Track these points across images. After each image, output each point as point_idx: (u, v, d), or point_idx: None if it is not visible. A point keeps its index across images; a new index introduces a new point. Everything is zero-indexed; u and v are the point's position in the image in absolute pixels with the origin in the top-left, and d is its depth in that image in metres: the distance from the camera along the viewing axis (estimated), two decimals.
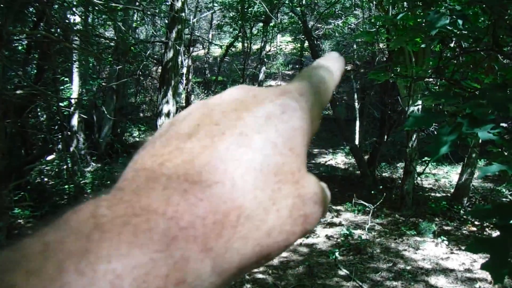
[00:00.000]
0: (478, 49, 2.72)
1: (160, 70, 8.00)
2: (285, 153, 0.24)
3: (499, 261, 1.08)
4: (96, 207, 0.19)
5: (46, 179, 9.25)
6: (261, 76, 16.87)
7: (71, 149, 10.95)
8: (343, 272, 5.63)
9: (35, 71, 9.13)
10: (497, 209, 1.12)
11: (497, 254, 1.09)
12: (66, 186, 8.62)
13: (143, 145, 0.25)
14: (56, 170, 9.76)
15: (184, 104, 16.91)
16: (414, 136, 8.22)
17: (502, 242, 1.10)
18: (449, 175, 11.59)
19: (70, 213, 0.19)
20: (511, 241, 1.10)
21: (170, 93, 5.81)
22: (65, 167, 9.17)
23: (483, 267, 1.08)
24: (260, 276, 5.47)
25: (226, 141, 0.23)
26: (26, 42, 8.16)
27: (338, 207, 8.71)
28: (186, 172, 0.21)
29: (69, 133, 10.83)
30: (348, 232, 6.70)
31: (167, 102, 5.81)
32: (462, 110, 1.44)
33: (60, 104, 10.42)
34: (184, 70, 15.77)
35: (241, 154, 0.22)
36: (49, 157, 10.26)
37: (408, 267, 5.83)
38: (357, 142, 12.74)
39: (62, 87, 10.50)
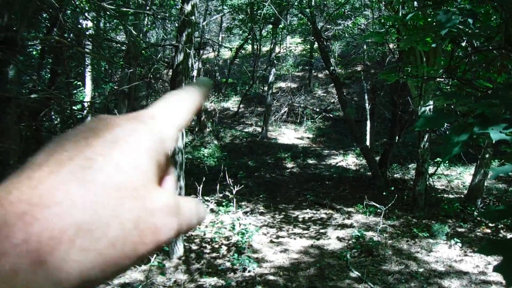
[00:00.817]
0: (490, 48, 2.69)
1: (171, 73, 8.03)
2: (128, 171, 0.27)
3: None
4: None
5: None
6: (271, 78, 16.86)
7: None
8: (354, 274, 5.60)
9: (49, 75, 9.26)
10: (510, 210, 1.10)
11: (510, 256, 1.07)
12: None
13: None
14: None
15: None
16: (426, 136, 8.14)
17: None
18: (462, 176, 11.45)
19: None
20: None
21: None
22: None
23: (496, 269, 1.07)
24: (271, 277, 5.46)
25: (71, 166, 0.25)
26: (40, 47, 8.28)
27: (349, 209, 8.65)
28: (29, 197, 0.23)
29: None
30: (359, 234, 6.66)
31: None
32: (474, 110, 1.43)
33: (74, 107, 10.55)
34: (195, 73, 15.85)
35: (83, 176, 0.25)
36: None
37: (421, 270, 5.77)
38: (368, 143, 12.66)
39: (75, 91, 10.64)
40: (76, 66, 10.06)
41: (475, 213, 7.81)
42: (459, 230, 7.35)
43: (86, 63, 9.89)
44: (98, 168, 0.25)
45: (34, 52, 9.49)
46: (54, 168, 0.25)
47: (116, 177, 0.26)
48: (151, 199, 0.27)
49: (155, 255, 5.83)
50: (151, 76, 16.60)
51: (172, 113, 0.33)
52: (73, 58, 9.49)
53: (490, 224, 7.53)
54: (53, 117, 10.07)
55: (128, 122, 0.29)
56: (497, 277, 5.52)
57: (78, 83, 10.92)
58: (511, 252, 1.07)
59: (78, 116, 11.01)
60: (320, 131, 17.87)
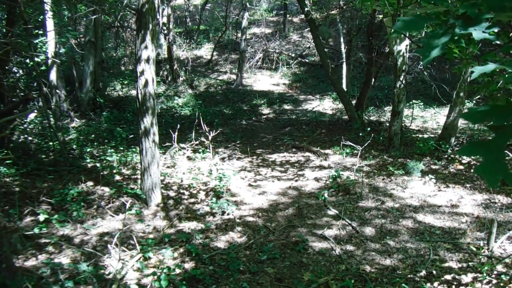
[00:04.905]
0: None
1: None
2: None
3: (494, 164, 1.00)
4: None
5: (30, 138, 9.04)
6: (244, 22, 16.31)
7: (52, 105, 10.67)
8: (332, 212, 5.68)
9: (4, 24, 8.66)
10: (494, 110, 1.03)
11: (492, 156, 1.00)
12: (51, 143, 8.44)
13: None
14: (40, 128, 9.53)
15: (166, 55, 16.43)
16: (402, 76, 8.09)
17: (498, 144, 1.01)
18: (436, 117, 11.61)
19: None
20: (506, 142, 1.01)
21: (148, 37, 5.52)
22: (46, 123, 8.95)
23: (477, 170, 1.00)
24: (250, 219, 5.49)
25: None
26: None
27: (327, 151, 8.69)
28: None
29: (48, 89, 10.49)
30: (336, 174, 6.71)
31: (146, 47, 5.53)
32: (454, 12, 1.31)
33: (37, 59, 10.00)
34: (165, 20, 15.19)
35: None
36: (31, 115, 9.98)
37: (396, 205, 5.90)
38: (344, 86, 12.58)
39: (36, 41, 10.04)
40: (34, 13, 9.41)
41: (449, 151, 7.97)
42: (433, 167, 7.51)
43: (45, 10, 9.26)
44: None
45: None
46: None
47: None
48: None
49: (130, 202, 5.77)
50: (119, 25, 15.84)
51: None
52: (30, 5, 8.85)
53: (463, 161, 7.71)
54: (14, 69, 9.54)
55: None
56: (469, 209, 5.70)
57: (40, 32, 10.28)
58: (492, 153, 1.00)
59: (41, 68, 10.49)
60: (296, 76, 17.66)
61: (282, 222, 5.41)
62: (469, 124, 10.45)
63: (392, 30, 1.26)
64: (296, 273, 4.21)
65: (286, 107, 13.69)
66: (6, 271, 3.72)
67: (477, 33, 1.17)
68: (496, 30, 1.18)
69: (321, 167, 7.69)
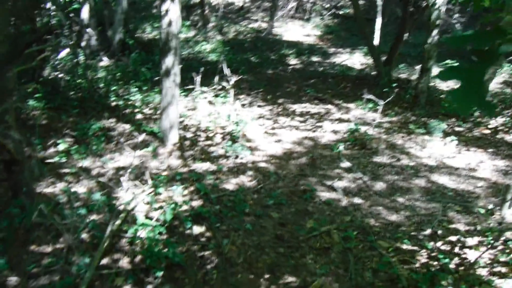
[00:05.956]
0: None
1: None
2: None
3: (471, 90, 0.95)
4: None
5: (60, 75, 9.22)
6: None
7: (83, 43, 10.80)
8: (345, 164, 5.66)
9: None
10: (477, 35, 0.96)
11: (471, 82, 0.95)
12: (79, 80, 8.62)
13: None
14: (69, 65, 9.69)
15: (198, 0, 16.11)
16: (435, 32, 7.69)
17: (479, 70, 0.95)
18: None
19: None
20: (488, 68, 0.95)
21: None
22: (75, 60, 9.11)
23: (451, 95, 0.96)
24: (262, 165, 5.55)
25: None
26: None
27: (349, 105, 8.54)
28: None
29: (79, 27, 10.58)
30: (355, 127, 6.61)
31: None
32: None
33: None
34: None
35: None
36: (63, 53, 10.12)
37: (412, 163, 5.82)
38: (377, 41, 12.10)
39: None
40: None
41: (476, 113, 7.68)
42: (457, 129, 7.30)
43: None
44: None
45: None
46: None
47: None
48: None
49: (144, 138, 5.89)
50: None
51: None
52: None
53: (489, 126, 7.44)
54: (47, 6, 9.57)
55: None
56: (487, 174, 5.57)
57: None
58: (473, 78, 0.95)
59: (74, 7, 10.50)
60: (328, 28, 17.07)
61: (294, 170, 5.44)
62: (504, 89, 9.98)
63: None
64: (300, 220, 4.28)
65: (314, 59, 13.36)
66: (26, 195, 3.94)
67: None
68: None
69: (340, 120, 7.59)
